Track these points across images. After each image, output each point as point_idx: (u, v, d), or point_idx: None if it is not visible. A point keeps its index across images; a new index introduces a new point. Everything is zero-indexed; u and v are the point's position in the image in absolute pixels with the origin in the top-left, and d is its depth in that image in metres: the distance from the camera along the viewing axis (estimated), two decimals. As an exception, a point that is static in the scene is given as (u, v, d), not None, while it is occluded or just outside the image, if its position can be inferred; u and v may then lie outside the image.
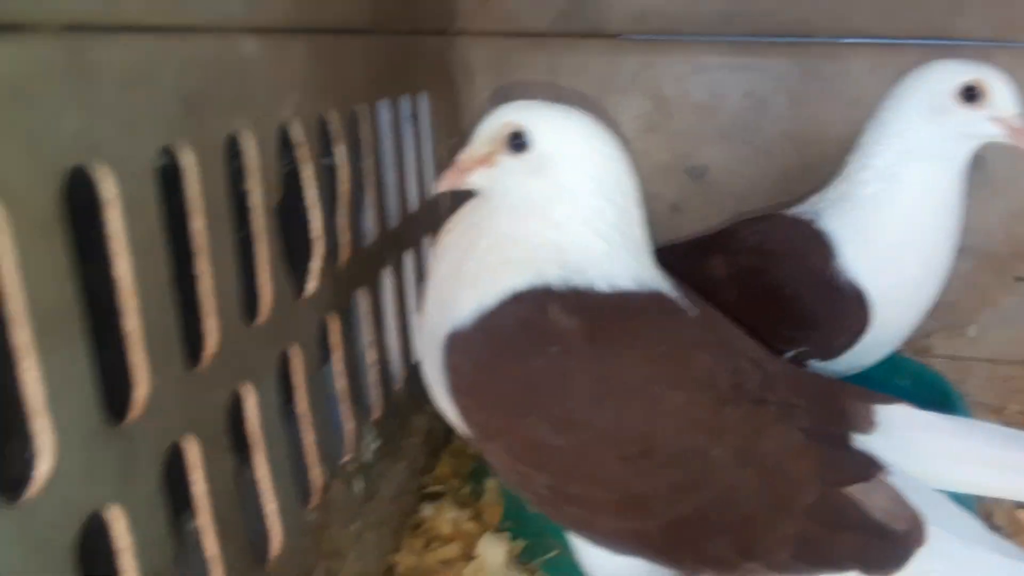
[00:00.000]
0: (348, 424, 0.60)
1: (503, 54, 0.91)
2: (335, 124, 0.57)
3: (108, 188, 0.34)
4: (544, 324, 0.46)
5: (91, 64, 0.33)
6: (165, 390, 0.38)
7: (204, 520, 0.42)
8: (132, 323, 0.37)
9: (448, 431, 0.79)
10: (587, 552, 0.48)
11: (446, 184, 0.52)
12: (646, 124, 0.91)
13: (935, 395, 0.71)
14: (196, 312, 0.42)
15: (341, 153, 0.58)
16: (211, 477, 0.41)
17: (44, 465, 0.31)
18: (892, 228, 0.63)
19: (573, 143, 0.50)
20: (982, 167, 0.83)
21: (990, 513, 0.70)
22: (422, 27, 0.80)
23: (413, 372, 0.74)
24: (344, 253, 0.59)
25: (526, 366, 0.46)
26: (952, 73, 0.61)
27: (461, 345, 0.48)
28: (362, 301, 0.63)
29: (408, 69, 0.75)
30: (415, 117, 0.76)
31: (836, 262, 0.63)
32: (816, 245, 0.64)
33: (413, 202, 0.75)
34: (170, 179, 0.40)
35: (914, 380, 0.74)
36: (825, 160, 0.75)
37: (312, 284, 0.54)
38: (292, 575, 0.50)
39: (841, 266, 0.63)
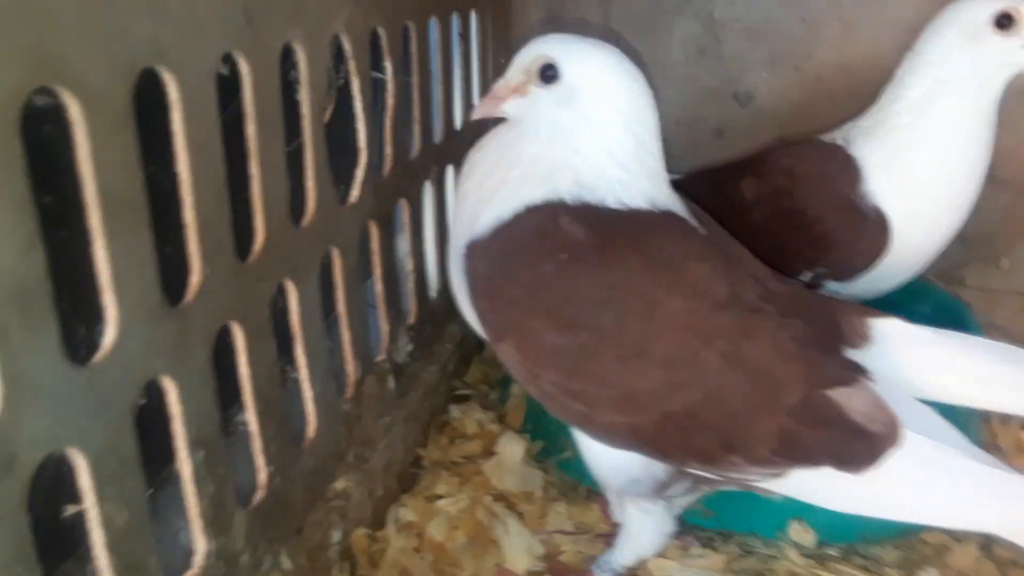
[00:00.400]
0: (384, 326, 0.64)
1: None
2: (385, 39, 0.60)
3: (173, 91, 0.38)
4: (555, 233, 0.50)
5: (160, -26, 0.36)
6: (216, 278, 0.42)
7: (247, 399, 0.46)
8: (189, 216, 0.40)
9: (480, 341, 0.83)
10: (588, 446, 0.52)
11: (481, 112, 0.55)
12: (696, 48, 0.91)
13: (955, 322, 0.72)
14: (249, 210, 0.46)
15: (389, 68, 0.61)
16: (254, 361, 0.46)
17: (110, 335, 0.35)
18: (921, 158, 0.64)
19: (601, 77, 0.52)
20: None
21: (995, 435, 0.72)
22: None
23: (447, 284, 0.78)
24: (388, 165, 0.62)
25: (536, 271, 0.49)
26: (987, 1, 0.62)
27: (479, 253, 0.52)
28: (403, 211, 0.66)
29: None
30: (464, 36, 0.78)
31: (862, 187, 0.65)
32: (844, 170, 0.66)
33: (458, 119, 0.78)
34: (230, 86, 0.44)
35: (935, 307, 0.76)
36: (874, 88, 0.75)
37: (355, 192, 0.57)
38: (325, 456, 0.55)
39: (866, 191, 0.65)
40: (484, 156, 0.55)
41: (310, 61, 0.49)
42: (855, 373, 0.46)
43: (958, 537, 0.60)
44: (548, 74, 0.52)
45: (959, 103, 0.63)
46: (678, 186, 0.56)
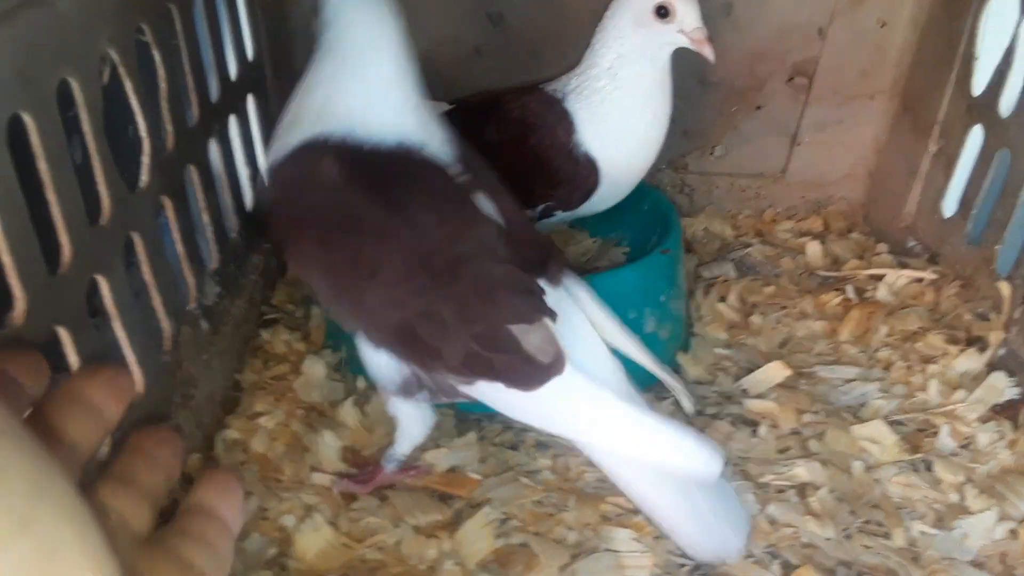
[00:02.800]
0: (189, 280, 0.74)
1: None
2: (150, 33, 0.66)
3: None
4: (315, 172, 0.62)
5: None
6: (36, 295, 0.51)
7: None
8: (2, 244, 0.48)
9: (282, 265, 0.94)
10: (360, 349, 0.66)
11: None
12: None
13: (665, 218, 0.90)
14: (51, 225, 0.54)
15: (158, 57, 0.68)
16: (81, 350, 0.55)
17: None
18: (614, 114, 0.82)
19: (345, 8, 0.63)
20: (729, 13, 0.99)
21: (699, 305, 0.93)
22: None
23: (247, 219, 0.87)
24: (170, 140, 0.70)
25: (302, 201, 0.63)
26: None
27: (271, 179, 0.66)
28: (192, 176, 0.75)
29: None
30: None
31: (575, 137, 0.82)
32: (562, 122, 0.82)
33: (232, 70, 0.84)
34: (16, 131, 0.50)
35: (651, 205, 0.93)
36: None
37: (145, 177, 0.65)
38: (155, 404, 0.65)
39: (579, 140, 0.82)
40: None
41: (84, 90, 0.56)
42: (539, 313, 0.60)
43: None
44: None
45: (638, 71, 0.80)
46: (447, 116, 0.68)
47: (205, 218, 0.77)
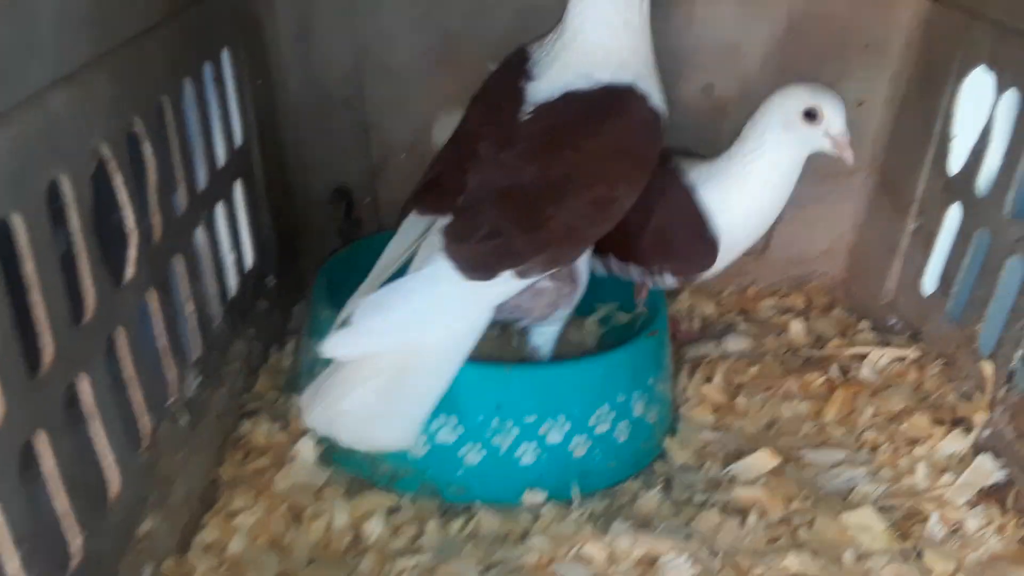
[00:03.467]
0: (170, 372, 0.72)
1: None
2: (140, 127, 0.66)
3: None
4: (632, 109, 0.76)
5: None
6: (13, 398, 0.50)
7: (56, 490, 0.54)
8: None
9: (266, 349, 0.93)
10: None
11: None
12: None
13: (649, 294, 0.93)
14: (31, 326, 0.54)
15: (148, 149, 0.68)
16: (59, 455, 0.54)
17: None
18: (745, 202, 0.86)
19: None
20: (710, 95, 1.00)
21: (684, 387, 0.93)
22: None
23: (230, 305, 0.87)
24: (157, 232, 0.70)
25: (614, 131, 0.75)
26: (799, 99, 0.83)
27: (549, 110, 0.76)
28: (177, 266, 0.74)
29: (209, 34, 0.83)
30: (219, 80, 0.84)
31: (706, 217, 0.86)
32: (694, 203, 0.86)
33: (220, 157, 0.85)
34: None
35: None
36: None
37: (131, 270, 0.65)
38: (129, 506, 0.63)
39: (711, 222, 0.86)
40: None
41: (75, 188, 0.56)
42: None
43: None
44: None
45: (774, 161, 0.84)
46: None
47: (189, 307, 0.77)
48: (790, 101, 0.83)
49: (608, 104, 0.74)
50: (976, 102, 0.92)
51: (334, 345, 0.69)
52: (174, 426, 0.71)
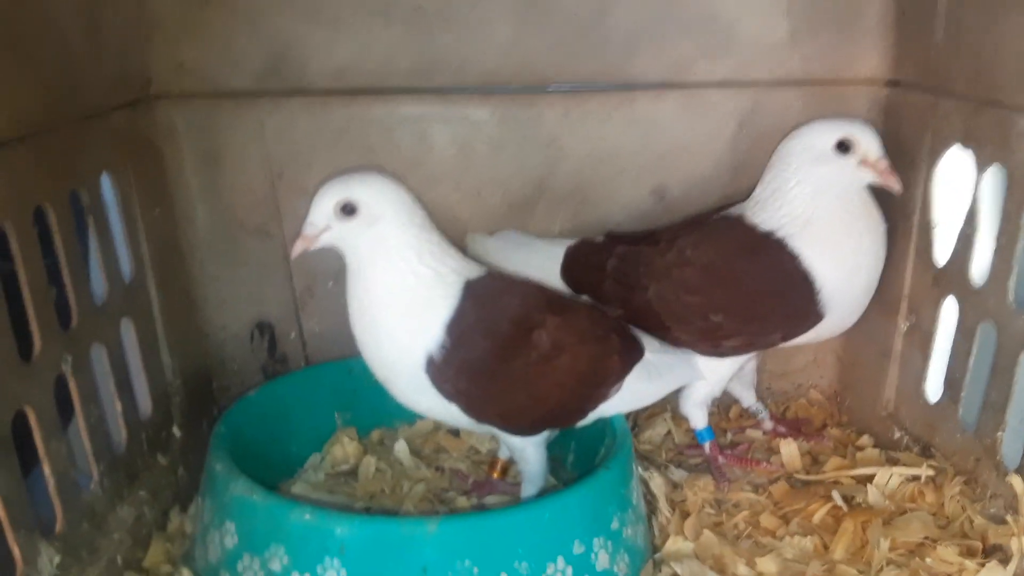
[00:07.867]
0: (18, 548, 0.58)
1: (207, 115, 0.90)
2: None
3: None
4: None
5: None
6: None
7: None
8: None
9: (165, 512, 0.79)
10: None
11: (298, 250, 0.70)
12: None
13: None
14: None
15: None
16: None
17: None
18: (832, 241, 0.81)
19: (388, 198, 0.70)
20: (663, 198, 0.91)
21: (664, 526, 0.78)
22: (105, 104, 0.78)
23: (114, 464, 0.73)
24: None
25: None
26: (828, 132, 0.79)
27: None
28: (31, 416, 0.61)
29: (81, 159, 0.73)
30: (92, 209, 0.73)
31: (800, 264, 0.82)
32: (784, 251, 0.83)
33: (99, 294, 0.73)
34: None
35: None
36: (527, 199, 0.94)
37: None
38: None
39: (806, 269, 0.81)
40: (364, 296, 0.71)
41: None
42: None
43: None
44: (348, 209, 0.69)
45: (839, 196, 0.80)
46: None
47: (45, 468, 0.63)
48: (817, 138, 0.79)
49: None
50: (955, 184, 0.83)
51: None
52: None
